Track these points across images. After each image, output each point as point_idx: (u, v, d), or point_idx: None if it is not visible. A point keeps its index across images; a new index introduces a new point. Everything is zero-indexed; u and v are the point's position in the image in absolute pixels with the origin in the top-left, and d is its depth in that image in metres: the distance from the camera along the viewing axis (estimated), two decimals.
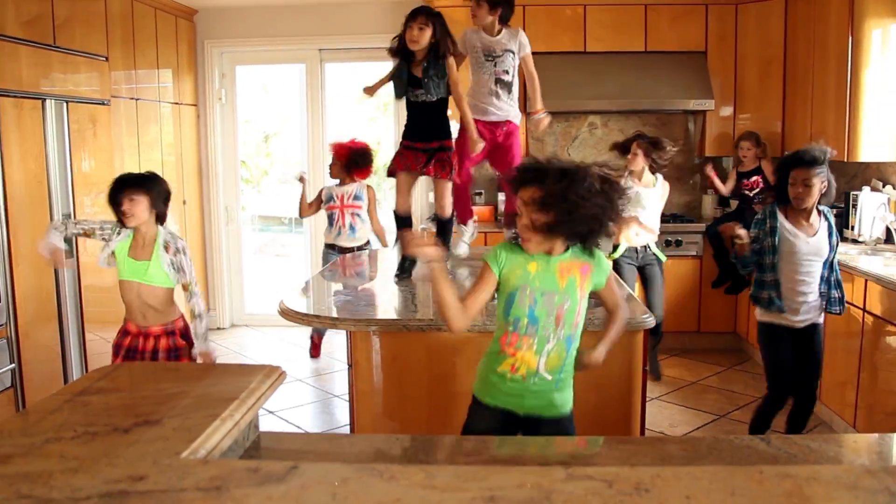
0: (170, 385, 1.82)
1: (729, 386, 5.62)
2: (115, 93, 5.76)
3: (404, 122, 4.06)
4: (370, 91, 4.04)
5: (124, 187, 3.59)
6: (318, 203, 6.14)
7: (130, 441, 1.52)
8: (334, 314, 3.23)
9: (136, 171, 5.97)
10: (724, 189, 6.31)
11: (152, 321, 3.66)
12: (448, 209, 4.06)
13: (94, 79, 5.46)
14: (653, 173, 5.46)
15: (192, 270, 3.68)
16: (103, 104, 5.55)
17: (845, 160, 5.36)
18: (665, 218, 6.50)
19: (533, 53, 6.44)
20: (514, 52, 4.27)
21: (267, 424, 4.49)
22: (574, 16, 6.62)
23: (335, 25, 7.14)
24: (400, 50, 3.83)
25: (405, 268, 3.98)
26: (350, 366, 3.20)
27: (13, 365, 4.57)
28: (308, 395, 5.67)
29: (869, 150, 5.23)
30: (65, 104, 5.06)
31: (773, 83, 6.43)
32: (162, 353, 3.68)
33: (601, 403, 3.17)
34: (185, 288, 3.67)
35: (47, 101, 4.91)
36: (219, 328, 7.46)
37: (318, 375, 6.16)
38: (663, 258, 5.59)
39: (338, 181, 6.11)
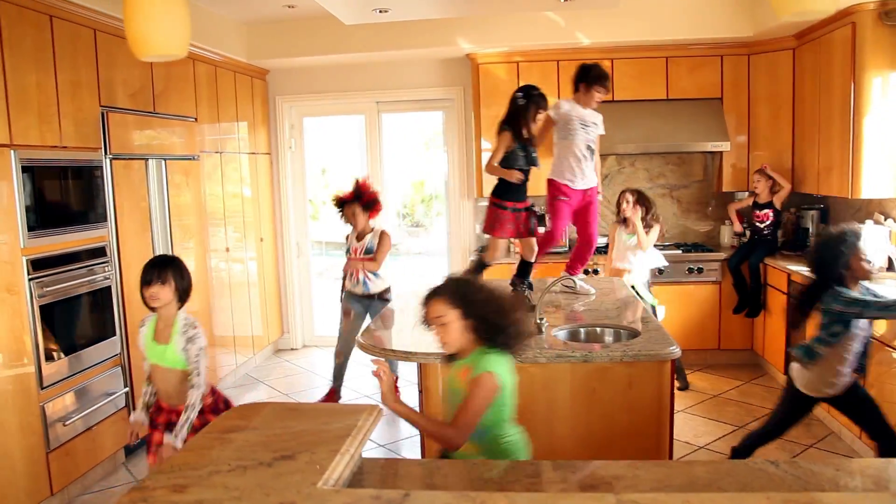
0: (293, 423, 2.11)
1: (747, 399, 5.80)
2: (202, 147, 6.12)
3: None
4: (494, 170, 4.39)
5: (153, 270, 3.43)
6: None
7: (275, 473, 1.80)
8: (407, 348, 3.50)
9: (220, 213, 6.40)
10: (738, 226, 6.66)
11: (178, 401, 3.45)
12: (535, 255, 4.49)
13: (186, 137, 5.83)
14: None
15: (200, 362, 3.41)
16: (193, 159, 5.92)
17: (849, 196, 5.53)
18: (687, 247, 6.75)
19: None
20: (597, 126, 4.59)
21: None
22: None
23: (390, 80, 7.46)
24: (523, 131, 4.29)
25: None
26: (420, 391, 3.49)
27: (126, 389, 4.93)
28: None
29: (870, 187, 5.38)
30: (163, 162, 5.43)
31: (783, 124, 6.60)
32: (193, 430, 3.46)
33: (635, 422, 3.39)
34: (187, 376, 3.42)
35: (149, 161, 5.28)
36: (292, 349, 7.81)
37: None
38: (652, 301, 5.85)
39: (351, 228, 5.89)
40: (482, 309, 2.59)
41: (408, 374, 6.37)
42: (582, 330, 3.96)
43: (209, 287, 6.16)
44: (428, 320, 2.66)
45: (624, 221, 5.97)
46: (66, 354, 4.39)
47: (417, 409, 3.61)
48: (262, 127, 7.47)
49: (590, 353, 3.39)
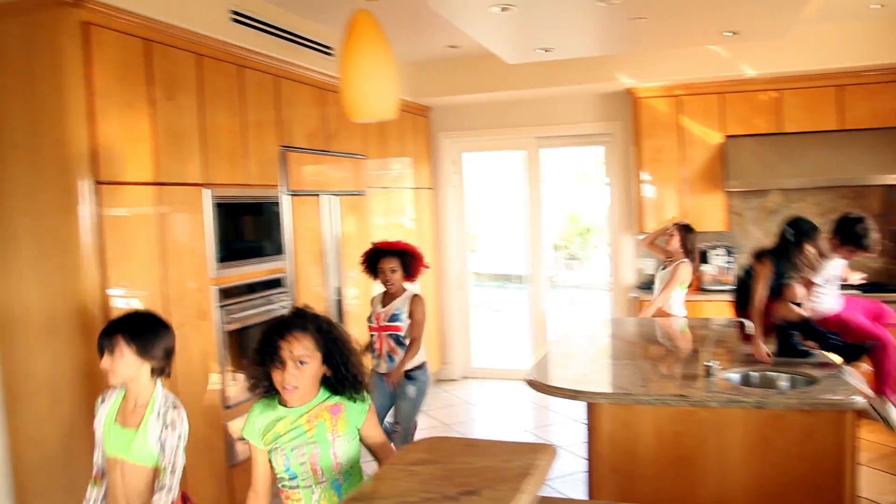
0: (474, 459, 2.16)
1: None
2: (369, 182, 6.39)
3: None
4: None
5: (109, 333, 2.67)
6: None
7: None
8: (576, 387, 3.50)
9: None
10: None
11: None
12: None
13: (355, 174, 6.13)
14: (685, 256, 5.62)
15: (177, 455, 2.63)
16: (361, 195, 6.20)
17: None
18: (866, 287, 6.32)
19: (731, 136, 6.64)
20: None
21: None
22: (769, 100, 6.63)
23: (549, 116, 7.53)
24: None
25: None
26: (589, 430, 3.47)
27: None
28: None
29: None
30: (333, 198, 5.72)
31: None
32: None
33: (813, 475, 3.22)
34: (157, 474, 2.61)
35: (322, 196, 5.58)
36: (451, 380, 7.95)
37: (541, 427, 6.45)
38: None
39: (382, 292, 4.88)
40: (342, 355, 2.40)
41: (573, 412, 6.33)
42: (754, 374, 3.80)
43: None
44: (280, 357, 2.34)
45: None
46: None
47: (586, 449, 3.60)
48: (425, 162, 7.71)
49: (764, 399, 3.26)
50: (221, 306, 4.43)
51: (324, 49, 5.57)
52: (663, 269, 5.77)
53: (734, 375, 3.71)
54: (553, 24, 4.84)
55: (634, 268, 7.35)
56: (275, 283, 4.98)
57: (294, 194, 5.20)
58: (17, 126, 3.60)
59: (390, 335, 4.73)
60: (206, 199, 4.34)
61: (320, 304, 5.51)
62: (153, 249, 3.96)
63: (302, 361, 2.34)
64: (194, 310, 4.24)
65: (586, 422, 3.51)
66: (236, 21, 4.61)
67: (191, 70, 4.26)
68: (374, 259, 4.78)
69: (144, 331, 2.68)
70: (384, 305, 4.79)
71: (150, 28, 3.94)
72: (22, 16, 3.57)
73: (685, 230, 5.67)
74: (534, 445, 2.25)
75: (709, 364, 3.64)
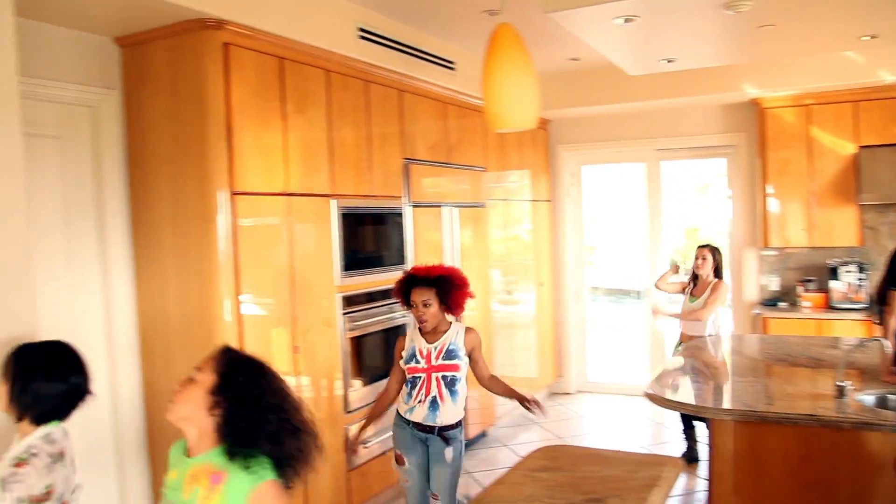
0: (598, 468, 2.16)
1: None
2: (488, 194, 6.44)
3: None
4: None
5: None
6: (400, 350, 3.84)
7: None
8: (696, 402, 3.42)
9: (502, 257, 6.65)
10: None
11: None
12: None
13: (475, 186, 6.19)
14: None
15: None
16: (481, 206, 6.26)
17: None
18: None
19: (865, 147, 6.29)
20: None
21: None
22: None
23: (670, 128, 7.38)
24: None
25: None
26: (710, 447, 3.38)
27: None
28: None
29: None
30: (454, 209, 5.80)
31: None
32: None
33: None
34: None
35: (443, 208, 5.67)
36: (566, 393, 7.89)
37: (657, 444, 6.29)
38: None
39: (416, 328, 3.79)
40: (251, 396, 1.92)
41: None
42: (892, 396, 3.60)
43: (489, 328, 6.43)
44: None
45: (695, 280, 5.76)
46: (367, 384, 4.80)
47: (707, 468, 3.50)
48: (544, 175, 7.71)
49: None
50: (345, 313, 4.57)
51: (446, 63, 5.67)
52: (692, 295, 5.75)
53: (869, 397, 3.53)
54: (677, 34, 4.76)
55: (758, 284, 7.09)
56: None
57: (416, 205, 5.32)
58: (165, 141, 3.85)
59: (444, 376, 3.67)
60: (333, 210, 4.49)
61: None
62: (282, 257, 4.13)
63: (191, 379, 1.98)
64: (320, 316, 4.39)
65: (707, 440, 3.42)
66: (363, 38, 4.76)
67: (320, 85, 4.44)
68: (408, 289, 3.77)
69: (22, 360, 2.19)
70: (429, 342, 3.72)
71: (284, 47, 4.13)
72: (168, 39, 3.82)
73: (716, 252, 5.72)
74: (660, 457, 2.23)
75: (841, 384, 3.48)
